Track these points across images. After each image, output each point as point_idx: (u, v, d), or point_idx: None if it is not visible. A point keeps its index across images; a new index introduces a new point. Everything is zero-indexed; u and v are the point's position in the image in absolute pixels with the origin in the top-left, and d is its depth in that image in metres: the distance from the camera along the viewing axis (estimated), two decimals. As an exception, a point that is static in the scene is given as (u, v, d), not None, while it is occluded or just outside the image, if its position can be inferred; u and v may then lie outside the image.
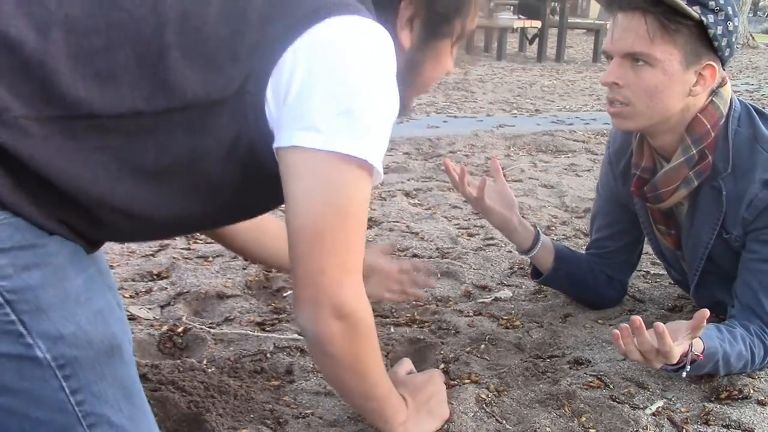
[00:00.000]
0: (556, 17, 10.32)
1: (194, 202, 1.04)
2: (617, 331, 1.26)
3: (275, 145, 0.97)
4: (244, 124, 0.97)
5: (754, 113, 1.53)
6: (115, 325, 1.02)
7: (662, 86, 1.41)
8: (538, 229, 1.77)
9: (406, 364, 1.40)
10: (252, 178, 1.04)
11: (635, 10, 1.38)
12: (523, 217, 2.69)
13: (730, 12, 1.40)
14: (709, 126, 1.48)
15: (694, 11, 1.36)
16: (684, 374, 1.35)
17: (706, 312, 1.24)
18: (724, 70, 1.47)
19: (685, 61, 1.40)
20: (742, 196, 1.47)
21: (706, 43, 1.39)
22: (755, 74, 9.13)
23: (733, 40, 1.42)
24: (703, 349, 1.36)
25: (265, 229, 1.47)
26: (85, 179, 0.94)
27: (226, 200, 1.07)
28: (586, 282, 1.81)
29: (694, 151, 1.49)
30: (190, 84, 0.94)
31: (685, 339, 1.28)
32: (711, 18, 1.37)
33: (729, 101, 1.51)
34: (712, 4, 1.37)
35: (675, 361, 1.28)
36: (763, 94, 7.00)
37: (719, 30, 1.38)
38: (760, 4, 23.00)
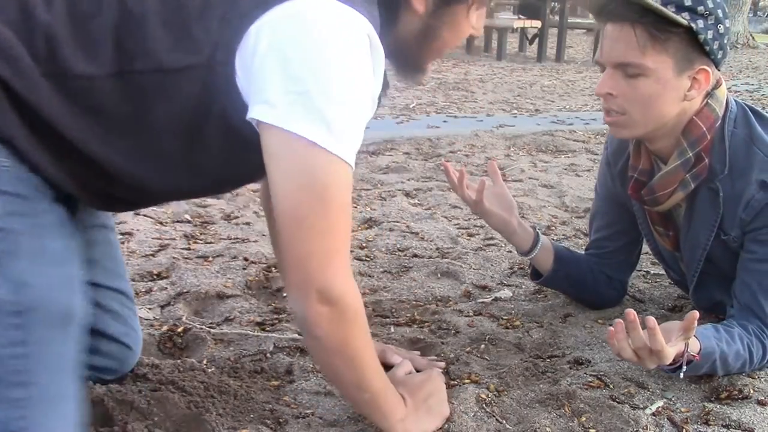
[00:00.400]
0: (556, 17, 10.32)
1: (180, 166, 1.08)
2: (612, 329, 1.26)
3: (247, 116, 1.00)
4: (215, 92, 1.00)
5: (750, 114, 1.53)
6: (78, 298, 1.03)
7: (656, 94, 1.41)
8: (537, 230, 1.77)
9: (406, 365, 1.40)
10: (233, 145, 1.06)
11: (624, 21, 1.37)
12: (522, 217, 2.70)
13: (720, 15, 1.39)
14: (704, 128, 1.47)
15: (683, 18, 1.35)
16: (681, 375, 1.35)
17: (697, 313, 1.24)
18: (718, 71, 1.47)
19: (678, 68, 1.39)
20: (739, 197, 1.47)
21: (698, 48, 1.38)
22: (755, 74, 9.13)
23: (725, 42, 1.41)
24: (700, 348, 1.36)
25: None
26: (80, 139, 1.00)
27: (211, 166, 1.09)
28: (585, 282, 1.81)
29: (691, 154, 1.49)
30: (165, 50, 0.99)
31: (678, 340, 1.29)
32: (701, 23, 1.36)
33: (725, 102, 1.51)
34: (701, 9, 1.36)
35: (668, 362, 1.28)
36: (763, 94, 7.00)
37: (710, 34, 1.37)
38: (760, 4, 23.00)
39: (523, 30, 10.56)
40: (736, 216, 1.48)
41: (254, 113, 0.98)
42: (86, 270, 1.29)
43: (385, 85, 1.16)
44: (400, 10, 1.12)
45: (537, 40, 9.90)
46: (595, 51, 1.48)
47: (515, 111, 5.33)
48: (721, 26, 1.39)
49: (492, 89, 6.51)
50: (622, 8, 1.37)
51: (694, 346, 1.36)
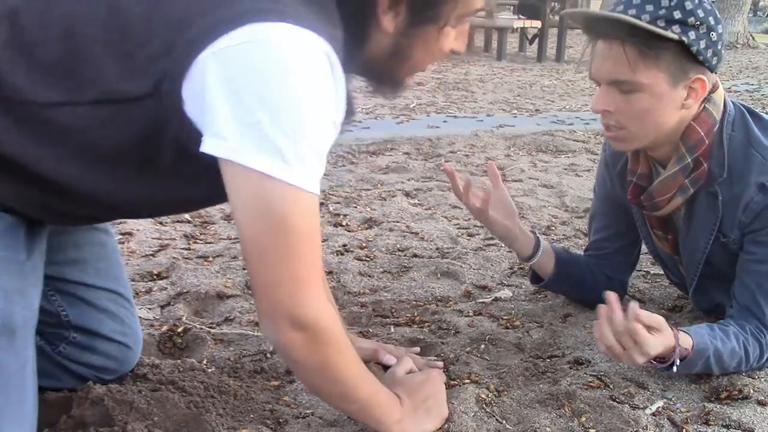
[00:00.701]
0: (556, 17, 10.32)
1: (138, 188, 1.07)
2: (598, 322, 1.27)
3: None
4: (166, 121, 0.99)
5: (748, 116, 1.52)
6: (17, 309, 1.03)
7: (653, 108, 1.40)
8: (537, 234, 1.77)
9: (406, 363, 1.40)
10: (193, 170, 1.04)
11: (613, 39, 1.36)
12: (522, 217, 2.71)
13: (712, 22, 1.37)
14: (702, 133, 1.47)
15: (674, 32, 1.33)
16: (674, 369, 1.35)
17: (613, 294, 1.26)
18: (715, 74, 1.46)
19: (673, 80, 1.38)
20: (738, 199, 1.47)
21: (692, 58, 1.37)
22: (755, 74, 9.13)
23: (719, 48, 1.40)
24: (693, 344, 1.37)
25: None
26: (31, 159, 1.00)
27: (171, 190, 1.09)
28: (585, 284, 1.81)
29: (689, 160, 1.48)
30: (113, 79, 0.98)
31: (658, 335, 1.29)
32: (692, 34, 1.35)
33: (722, 106, 1.50)
34: (691, 20, 1.34)
35: (653, 353, 1.27)
36: (763, 94, 7.00)
37: (702, 44, 1.36)
38: (760, 4, 23.00)
39: (523, 30, 10.56)
40: (736, 218, 1.48)
41: (206, 147, 0.95)
42: (74, 270, 1.32)
43: (350, 112, 1.13)
44: (369, 29, 1.09)
45: (537, 40, 9.91)
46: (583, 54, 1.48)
47: (515, 111, 5.33)
48: (714, 33, 1.37)
49: (492, 89, 6.51)
50: (610, 27, 1.36)
51: (686, 341, 1.37)
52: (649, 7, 1.35)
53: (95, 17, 0.99)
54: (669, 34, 1.33)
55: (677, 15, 1.34)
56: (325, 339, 1.06)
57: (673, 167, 1.50)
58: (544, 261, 1.76)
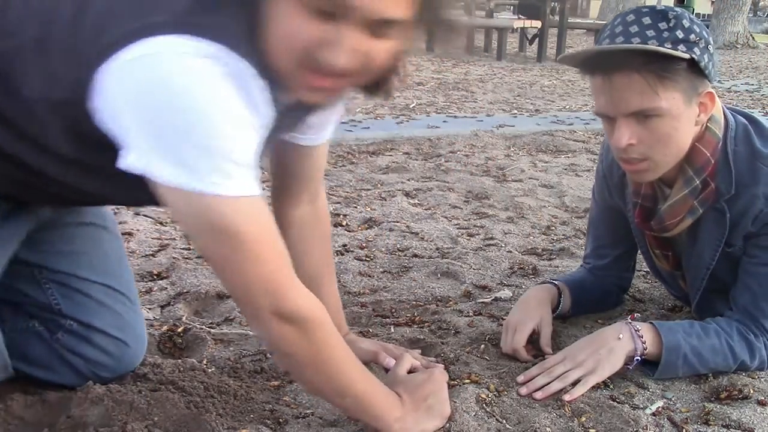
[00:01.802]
0: (556, 17, 10.32)
1: (88, 183, 1.11)
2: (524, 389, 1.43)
3: None
4: (90, 128, 0.99)
5: (750, 128, 1.51)
6: None
7: (674, 130, 1.39)
8: (557, 285, 1.74)
9: (407, 362, 1.40)
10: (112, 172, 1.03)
11: (630, 69, 1.34)
12: (522, 217, 2.71)
13: (706, 35, 1.38)
14: (708, 154, 1.46)
15: (682, 52, 1.33)
16: (638, 354, 1.45)
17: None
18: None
19: (687, 98, 1.38)
20: (745, 212, 1.47)
21: (699, 74, 1.37)
22: (755, 74, 9.14)
23: (716, 59, 1.41)
24: (662, 343, 1.44)
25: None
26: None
27: (112, 185, 1.09)
28: (595, 300, 1.83)
29: (698, 182, 1.48)
30: (34, 84, 1.00)
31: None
32: (697, 51, 1.35)
33: (723, 120, 1.49)
34: (692, 37, 1.35)
35: (619, 360, 1.45)
36: (763, 94, 7.00)
37: (706, 58, 1.37)
38: (760, 4, 23.00)
39: (523, 30, 10.57)
40: (743, 230, 1.48)
41: (121, 162, 0.95)
42: (66, 261, 1.36)
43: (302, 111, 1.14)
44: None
45: (537, 40, 9.91)
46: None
47: (515, 111, 5.33)
48: (711, 46, 1.39)
49: (492, 89, 6.51)
50: (625, 58, 1.33)
51: (653, 339, 1.44)
52: (651, 33, 1.34)
53: (28, 23, 1.01)
54: (683, 54, 1.33)
55: (680, 35, 1.34)
56: (314, 326, 1.08)
57: (681, 190, 1.49)
58: (565, 303, 1.76)
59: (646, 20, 1.35)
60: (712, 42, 1.40)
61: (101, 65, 0.94)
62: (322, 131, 1.36)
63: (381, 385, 1.23)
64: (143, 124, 0.93)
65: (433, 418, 1.27)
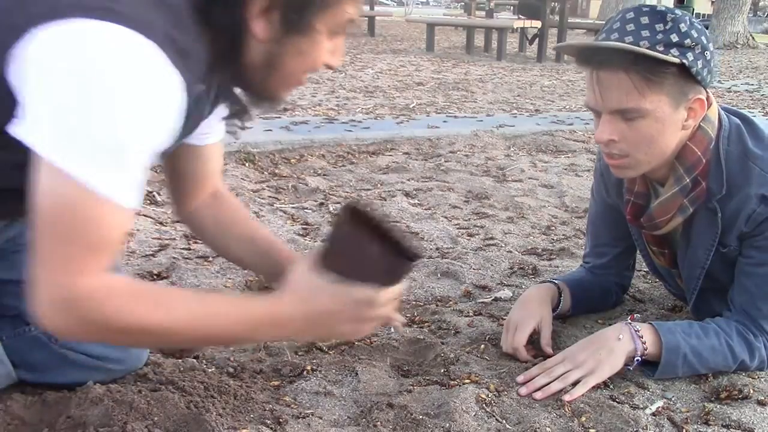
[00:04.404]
0: (556, 17, 10.33)
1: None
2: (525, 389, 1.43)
3: None
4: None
5: (743, 128, 1.51)
6: None
7: (657, 133, 1.39)
8: (556, 284, 1.75)
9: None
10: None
11: (617, 68, 1.35)
12: (522, 217, 2.71)
13: (704, 41, 1.37)
14: (699, 153, 1.46)
15: (673, 56, 1.33)
16: (630, 368, 1.47)
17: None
18: (707, 91, 1.45)
19: (674, 102, 1.38)
20: (739, 212, 1.47)
21: (691, 79, 1.37)
22: (755, 74, 9.14)
23: (713, 65, 1.40)
24: (661, 344, 1.44)
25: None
26: None
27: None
28: (595, 299, 1.83)
29: (688, 180, 1.48)
30: None
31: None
32: (690, 56, 1.34)
33: (717, 120, 1.49)
34: (687, 41, 1.34)
35: (620, 360, 1.45)
36: (763, 94, 7.00)
37: (700, 64, 1.36)
38: (760, 4, 23.01)
39: (523, 30, 10.57)
40: (737, 229, 1.48)
41: (16, 130, 0.93)
42: None
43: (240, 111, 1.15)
44: (243, 38, 1.07)
45: (537, 40, 9.91)
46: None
47: (515, 111, 5.33)
48: (708, 52, 1.37)
49: (492, 89, 6.51)
50: (612, 57, 1.35)
51: (653, 339, 1.45)
52: (646, 33, 1.34)
53: None
54: (672, 58, 1.33)
55: (674, 38, 1.33)
56: (105, 308, 0.98)
57: (671, 188, 1.50)
58: (564, 305, 1.76)
59: (644, 20, 1.35)
60: (711, 48, 1.38)
61: (17, 39, 0.91)
62: (212, 129, 1.33)
63: (240, 307, 1.12)
64: (50, 102, 0.90)
65: (310, 334, 1.18)
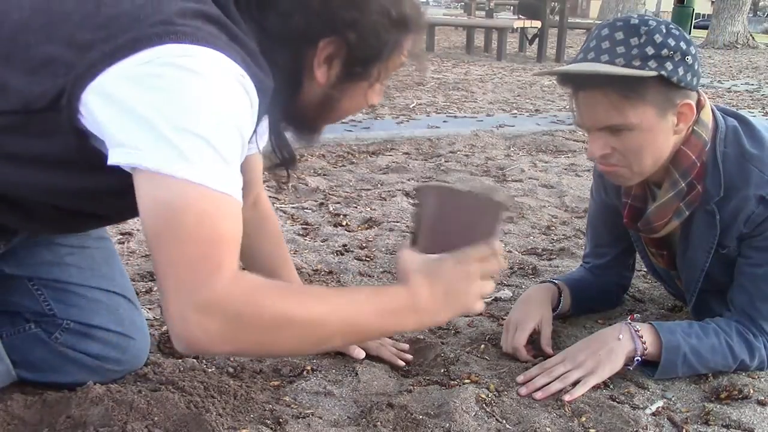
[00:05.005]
0: (556, 17, 10.32)
1: (53, 198, 1.10)
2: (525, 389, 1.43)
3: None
4: (65, 134, 0.97)
5: (739, 129, 1.50)
6: None
7: (647, 142, 1.39)
8: (556, 284, 1.75)
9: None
10: (99, 183, 1.03)
11: (594, 88, 1.36)
12: (522, 217, 2.71)
13: (684, 46, 1.35)
14: (694, 157, 1.46)
15: (651, 68, 1.32)
16: (630, 368, 1.47)
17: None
18: (697, 92, 1.44)
19: (660, 111, 1.37)
20: (737, 213, 1.46)
21: (674, 86, 1.36)
22: (755, 74, 9.14)
23: (696, 67, 1.39)
24: (661, 343, 1.45)
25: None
26: None
27: (88, 202, 1.10)
28: (595, 298, 1.83)
29: (683, 184, 1.48)
30: (15, 91, 0.98)
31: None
32: (669, 65, 1.33)
33: (712, 123, 1.49)
34: (664, 51, 1.32)
35: (621, 360, 1.45)
36: (763, 94, 7.00)
37: (681, 71, 1.34)
38: (760, 4, 23.02)
39: (523, 30, 10.57)
40: (736, 231, 1.48)
41: (112, 158, 0.92)
42: (51, 270, 1.37)
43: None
44: (303, 78, 1.11)
45: (537, 40, 9.92)
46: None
47: (515, 111, 5.33)
48: (689, 57, 1.36)
49: (492, 89, 6.51)
50: (587, 79, 1.35)
51: (653, 339, 1.45)
52: (621, 50, 1.33)
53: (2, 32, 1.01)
54: (647, 72, 1.32)
55: (650, 51, 1.32)
56: (248, 312, 0.94)
57: (667, 192, 1.50)
58: (565, 303, 1.77)
59: (619, 35, 1.34)
60: (693, 50, 1.37)
61: (94, 73, 0.92)
62: (259, 139, 1.34)
63: (365, 294, 1.12)
64: (133, 115, 0.90)
65: (449, 307, 1.13)
